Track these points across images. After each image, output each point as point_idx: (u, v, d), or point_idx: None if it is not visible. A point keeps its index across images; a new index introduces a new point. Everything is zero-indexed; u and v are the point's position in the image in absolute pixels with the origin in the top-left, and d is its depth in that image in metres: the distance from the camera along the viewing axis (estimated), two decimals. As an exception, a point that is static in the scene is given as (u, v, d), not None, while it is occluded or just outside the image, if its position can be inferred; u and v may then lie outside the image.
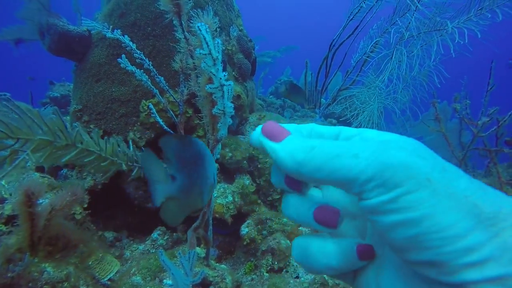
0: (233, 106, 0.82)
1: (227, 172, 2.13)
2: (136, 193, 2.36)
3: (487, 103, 1.71)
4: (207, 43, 0.62)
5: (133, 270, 1.14)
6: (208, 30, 0.62)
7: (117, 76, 1.96)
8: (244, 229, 1.90)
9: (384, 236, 0.26)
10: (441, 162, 0.26)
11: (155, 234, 2.13)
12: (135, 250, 1.97)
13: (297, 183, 0.33)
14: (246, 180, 2.05)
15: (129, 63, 1.18)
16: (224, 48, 2.26)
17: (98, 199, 2.32)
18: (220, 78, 0.66)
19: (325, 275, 1.48)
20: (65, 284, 1.03)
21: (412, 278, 0.27)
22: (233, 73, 2.29)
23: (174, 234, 2.13)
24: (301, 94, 1.94)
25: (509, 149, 1.84)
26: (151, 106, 1.19)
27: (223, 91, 0.71)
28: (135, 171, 0.97)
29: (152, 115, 1.17)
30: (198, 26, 0.60)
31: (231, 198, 1.94)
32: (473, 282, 0.23)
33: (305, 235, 0.34)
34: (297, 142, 0.30)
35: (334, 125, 3.12)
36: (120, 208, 2.50)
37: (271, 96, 7.38)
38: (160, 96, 1.19)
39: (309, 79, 2.57)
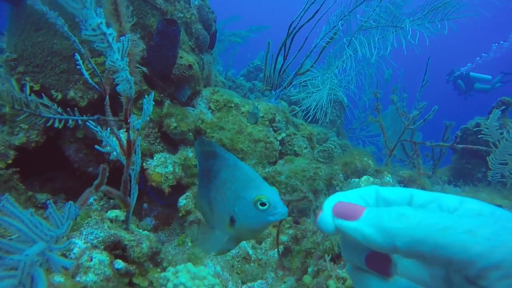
0: (126, 65, 0.78)
1: (172, 143, 2.09)
2: (76, 155, 2.26)
3: (420, 98, 1.80)
4: None
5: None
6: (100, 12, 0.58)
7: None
8: (182, 201, 1.88)
9: None
10: None
11: (90, 199, 2.06)
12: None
13: (383, 264, 0.29)
14: (190, 153, 2.02)
15: (61, 19, 1.09)
16: (182, 15, 2.17)
17: (36, 160, 2.20)
18: (100, 23, 0.61)
19: (250, 250, 1.51)
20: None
21: None
22: (190, 43, 2.21)
23: (111, 200, 2.08)
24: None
25: (430, 142, 1.95)
26: (77, 57, 1.12)
27: (108, 41, 0.66)
28: (22, 116, 0.91)
29: (77, 66, 1.10)
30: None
31: (171, 169, 1.91)
32: None
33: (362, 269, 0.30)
34: (381, 212, 0.26)
35: (297, 113, 3.08)
36: (62, 172, 2.39)
37: (241, 78, 7.30)
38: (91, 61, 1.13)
39: (269, 60, 2.56)
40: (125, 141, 1.17)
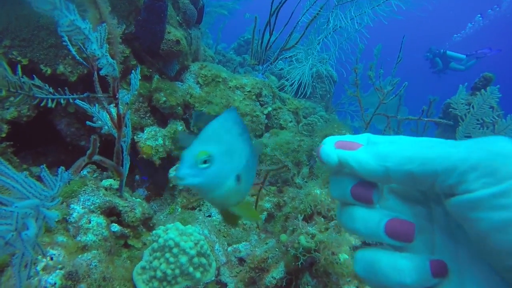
0: (106, 47, 0.84)
1: (161, 117, 2.16)
2: (67, 129, 2.31)
3: (394, 73, 1.90)
4: None
5: None
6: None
7: (45, 3, 1.82)
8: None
9: (483, 237, 0.24)
10: None
11: (84, 171, 2.14)
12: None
13: (368, 192, 0.30)
14: (179, 126, 2.10)
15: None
16: (168, -12, 2.17)
17: (28, 134, 2.25)
18: (73, 20, 0.67)
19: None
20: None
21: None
22: (177, 18, 2.23)
23: (104, 172, 2.16)
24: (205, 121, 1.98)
25: (439, 132, 2.07)
26: (63, 35, 1.16)
27: (84, 33, 0.72)
28: (18, 98, 0.97)
29: (63, 43, 1.15)
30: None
31: (161, 141, 1.99)
32: None
33: (369, 249, 0.31)
34: (374, 145, 0.30)
35: (285, 86, 3.13)
36: (54, 145, 2.44)
37: (231, 52, 7.23)
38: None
39: (257, 35, 2.59)
40: (115, 115, 1.24)
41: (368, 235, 0.30)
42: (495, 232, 0.23)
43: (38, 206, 0.66)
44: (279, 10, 2.28)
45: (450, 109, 2.00)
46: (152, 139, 1.97)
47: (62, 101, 1.12)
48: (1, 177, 0.62)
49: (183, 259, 0.89)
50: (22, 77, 0.99)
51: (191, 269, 0.89)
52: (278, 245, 1.17)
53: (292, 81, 2.14)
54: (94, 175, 2.17)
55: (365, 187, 0.30)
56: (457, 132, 1.68)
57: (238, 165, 0.55)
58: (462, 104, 1.73)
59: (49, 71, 1.89)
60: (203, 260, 0.93)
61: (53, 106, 1.09)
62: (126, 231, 1.24)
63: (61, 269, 0.87)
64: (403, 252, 0.30)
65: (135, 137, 2.00)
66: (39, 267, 0.85)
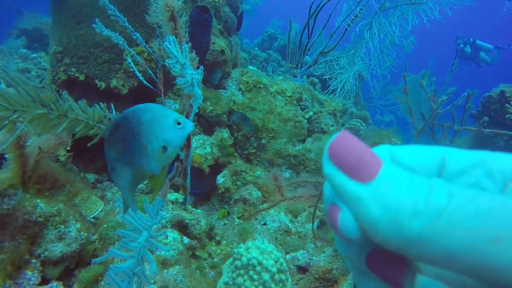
0: (201, 93, 0.90)
1: (206, 124, 2.23)
2: None
3: (448, 82, 1.86)
4: (174, 55, 0.70)
5: (117, 210, 1.27)
6: (174, 41, 0.68)
7: (99, 20, 1.92)
8: (220, 179, 2.05)
9: None
10: None
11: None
12: (116, 192, 2.09)
13: (395, 267, 0.19)
14: (225, 134, 2.16)
15: (103, 27, 1.20)
16: (210, 0, 2.22)
17: (78, 141, 2.39)
18: (192, 74, 0.74)
19: (289, 224, 1.69)
20: (57, 218, 1.15)
21: None
22: (219, 26, 2.28)
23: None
24: (249, 124, 2.03)
25: (476, 127, 2.03)
26: (129, 60, 1.24)
27: (193, 83, 0.78)
28: (80, 126, 1.05)
29: (130, 68, 1.22)
30: (165, 44, 0.67)
31: (209, 150, 2.06)
32: None
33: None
34: (403, 188, 0.16)
35: (316, 84, 3.19)
36: (101, 151, 2.57)
37: (256, 49, 7.25)
38: (137, 57, 1.24)
39: (293, 39, 2.60)
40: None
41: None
42: None
43: (148, 237, 0.73)
44: (318, 13, 2.29)
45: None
46: (201, 147, 2.05)
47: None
48: (125, 216, 0.69)
49: (266, 276, 0.95)
50: (116, 114, 1.07)
51: (273, 285, 0.95)
52: (337, 254, 1.20)
53: (335, 87, 2.15)
54: (145, 182, 2.28)
55: (389, 261, 0.19)
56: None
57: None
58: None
59: (103, 85, 2.00)
60: (283, 276, 0.98)
61: None
62: (194, 243, 1.32)
63: (154, 283, 0.95)
64: None
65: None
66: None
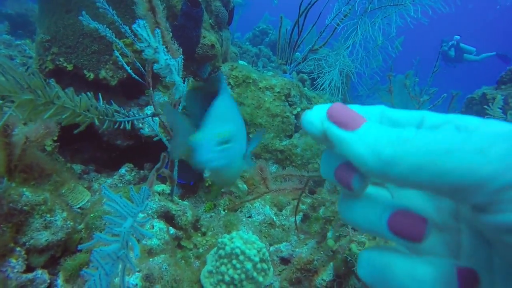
0: (181, 79, 0.92)
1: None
2: (105, 129, 2.42)
3: (430, 83, 1.93)
4: (144, 38, 0.71)
5: (104, 200, 1.29)
6: (144, 25, 0.70)
7: (89, 10, 1.90)
8: (207, 172, 2.07)
9: None
10: None
11: (122, 170, 2.25)
12: (103, 183, 2.10)
13: (348, 175, 0.24)
14: (213, 128, 2.18)
15: (90, 19, 1.21)
16: (202, -8, 2.22)
17: (64, 131, 2.37)
18: (166, 59, 0.76)
19: (274, 217, 1.73)
20: (43, 207, 1.16)
21: None
22: (210, 21, 2.28)
23: (141, 171, 2.27)
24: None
25: None
26: (117, 54, 1.25)
27: (171, 69, 0.80)
28: (105, 124, 1.07)
29: (119, 62, 1.23)
30: (134, 27, 0.69)
31: (198, 143, 2.08)
32: None
33: (379, 248, 0.25)
34: (380, 131, 0.22)
35: (305, 81, 3.23)
36: (89, 143, 2.56)
37: (247, 43, 7.24)
38: (125, 49, 1.25)
39: (283, 35, 2.63)
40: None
41: (370, 231, 0.25)
42: None
43: (133, 224, 0.76)
44: (308, 11, 2.32)
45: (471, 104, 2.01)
46: (189, 140, 2.06)
47: (136, 122, 1.21)
48: (108, 202, 0.71)
49: (249, 265, 0.98)
50: (103, 104, 1.08)
51: (255, 273, 0.99)
52: (324, 248, 1.25)
53: (323, 84, 2.20)
54: (132, 174, 2.29)
55: (349, 168, 0.24)
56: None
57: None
58: (497, 111, 1.76)
59: (91, 76, 1.99)
60: (265, 266, 1.02)
61: (129, 127, 1.18)
62: (179, 233, 1.35)
63: (139, 271, 0.97)
64: (423, 256, 0.24)
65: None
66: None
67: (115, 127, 1.13)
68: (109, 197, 0.81)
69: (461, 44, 7.24)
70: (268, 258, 1.07)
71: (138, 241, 0.87)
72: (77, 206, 1.43)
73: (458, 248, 0.26)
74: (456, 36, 7.34)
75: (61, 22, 1.91)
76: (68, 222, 1.22)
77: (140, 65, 1.30)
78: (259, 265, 1.01)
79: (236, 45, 5.92)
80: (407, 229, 0.22)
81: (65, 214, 1.23)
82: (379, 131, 0.22)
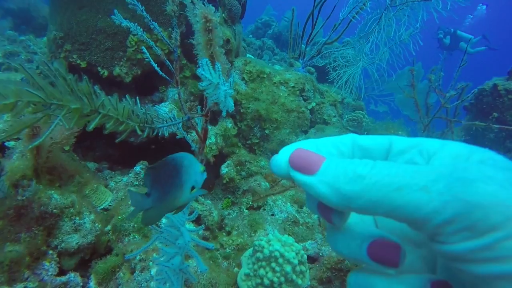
0: (233, 105, 0.89)
1: (211, 114, 2.22)
2: (145, 137, 2.40)
3: (457, 78, 1.89)
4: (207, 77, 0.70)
5: (130, 201, 1.27)
6: (208, 64, 0.69)
7: (102, 5, 1.86)
8: (224, 169, 2.05)
9: (473, 283, 0.22)
10: None
11: (137, 168, 2.23)
12: (119, 181, 2.08)
13: (327, 212, 0.28)
14: (229, 123, 2.16)
15: (122, 17, 1.16)
16: (215, -14, 2.18)
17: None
18: (225, 90, 0.74)
19: (296, 214, 1.71)
20: (71, 210, 1.14)
21: None
22: (223, 15, 2.24)
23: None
24: None
25: (468, 119, 2.08)
26: (144, 50, 1.21)
27: (226, 97, 0.78)
28: (146, 132, 1.04)
29: (144, 55, 1.20)
30: (199, 71, 0.68)
31: (214, 139, 2.06)
32: None
33: (363, 271, 0.28)
34: (338, 169, 0.25)
35: (312, 73, 3.19)
36: (100, 139, 2.54)
37: (250, 36, 7.16)
38: (156, 48, 1.21)
39: (295, 28, 2.58)
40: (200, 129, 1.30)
41: (353, 259, 0.28)
42: (481, 283, 0.22)
43: (192, 237, 0.74)
44: (323, 3, 2.27)
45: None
46: (206, 137, 2.04)
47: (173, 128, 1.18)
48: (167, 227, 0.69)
49: (288, 268, 0.97)
50: (142, 109, 1.05)
51: (294, 276, 0.98)
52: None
53: (341, 80, 2.16)
54: (148, 172, 2.26)
55: (327, 206, 0.27)
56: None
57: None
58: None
59: (106, 73, 1.95)
60: (303, 268, 1.01)
61: (167, 135, 1.16)
62: (206, 234, 1.33)
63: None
64: (401, 275, 0.26)
65: (189, 135, 2.07)
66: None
67: (154, 134, 1.10)
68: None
69: (458, 32, 7.21)
70: (306, 259, 1.06)
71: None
72: (101, 207, 1.41)
73: (435, 262, 0.29)
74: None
75: (74, 18, 1.87)
76: (97, 224, 1.21)
77: (169, 63, 1.26)
78: (298, 268, 0.99)
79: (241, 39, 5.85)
80: (384, 258, 0.26)
81: (93, 216, 1.21)
82: (337, 169, 0.25)
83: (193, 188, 0.67)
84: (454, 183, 0.22)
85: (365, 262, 0.27)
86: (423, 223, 0.22)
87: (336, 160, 0.26)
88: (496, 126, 1.98)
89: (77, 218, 1.16)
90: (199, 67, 0.83)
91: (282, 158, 0.29)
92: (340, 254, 0.29)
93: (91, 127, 0.81)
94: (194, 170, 0.67)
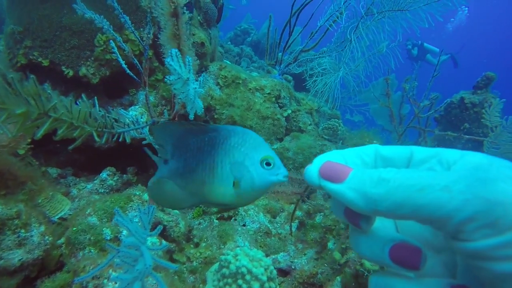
0: (202, 106, 0.82)
1: (183, 118, 2.13)
2: (103, 143, 2.26)
3: (430, 88, 1.92)
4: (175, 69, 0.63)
5: (88, 211, 1.16)
6: (177, 54, 0.62)
7: (68, 0, 1.75)
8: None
9: (493, 283, 0.23)
10: None
11: (104, 174, 2.10)
12: (83, 188, 1.94)
13: (355, 218, 0.29)
14: (202, 130, 2.08)
15: (85, 7, 1.07)
16: (190, -13, 2.11)
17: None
18: (195, 88, 0.67)
19: (269, 225, 1.65)
20: (16, 222, 1.02)
21: None
22: (198, 17, 2.17)
23: (124, 175, 2.13)
24: None
25: (439, 130, 2.11)
26: (113, 44, 1.12)
27: (195, 96, 0.71)
28: (104, 138, 0.94)
29: (113, 54, 1.11)
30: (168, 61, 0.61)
31: (186, 147, 1.97)
32: None
33: (384, 273, 0.29)
34: (365, 176, 0.27)
35: (290, 81, 3.17)
36: (65, 143, 2.38)
37: (229, 43, 7.13)
38: (124, 45, 1.13)
39: (272, 35, 2.56)
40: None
41: (376, 261, 0.29)
42: (500, 282, 0.22)
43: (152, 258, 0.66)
44: (300, 11, 2.25)
45: (482, 119, 2.02)
46: (177, 143, 1.95)
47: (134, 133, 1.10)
48: (124, 230, 0.60)
49: (256, 285, 0.89)
50: (100, 111, 0.96)
51: (262, 294, 0.91)
52: (327, 261, 1.18)
53: (316, 87, 2.14)
54: (115, 178, 2.13)
55: (354, 211, 0.28)
56: (484, 144, 1.72)
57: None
58: (495, 116, 1.76)
59: (71, 73, 1.83)
60: (272, 285, 0.94)
61: (128, 140, 1.06)
62: (172, 246, 1.24)
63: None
64: (421, 279, 0.28)
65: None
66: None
67: (114, 140, 1.01)
68: (124, 225, 0.69)
69: (425, 44, 7.55)
70: (276, 275, 0.99)
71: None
72: (56, 217, 1.29)
73: (454, 267, 0.30)
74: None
75: (35, 12, 1.74)
76: (46, 237, 1.09)
77: (137, 62, 1.18)
78: (266, 284, 0.92)
79: (218, 44, 5.80)
80: (406, 260, 0.27)
81: (42, 228, 1.09)
82: (363, 176, 0.27)
83: (235, 184, 0.50)
84: (475, 183, 0.23)
85: (387, 264, 0.28)
86: (445, 221, 0.23)
87: (363, 170, 0.28)
88: (467, 136, 2.01)
89: (23, 230, 1.04)
90: (166, 57, 0.76)
91: (313, 169, 0.30)
92: (363, 256, 0.30)
93: (39, 134, 0.71)
94: (248, 155, 0.49)
